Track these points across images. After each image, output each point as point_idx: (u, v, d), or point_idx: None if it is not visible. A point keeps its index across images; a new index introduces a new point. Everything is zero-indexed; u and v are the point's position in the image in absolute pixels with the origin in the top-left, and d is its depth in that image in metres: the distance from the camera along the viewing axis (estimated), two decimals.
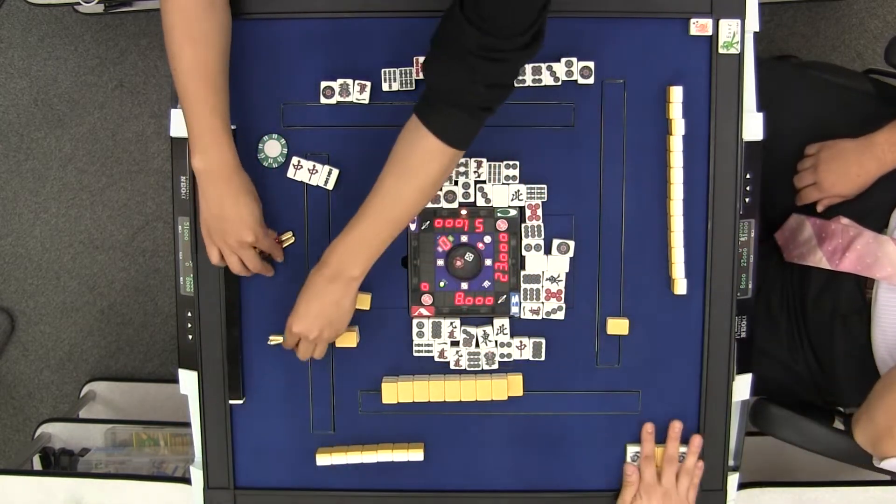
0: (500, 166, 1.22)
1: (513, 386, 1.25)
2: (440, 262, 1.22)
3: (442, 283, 1.22)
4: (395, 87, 1.21)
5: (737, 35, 1.20)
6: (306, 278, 1.14)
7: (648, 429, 1.26)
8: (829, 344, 1.33)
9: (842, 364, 1.33)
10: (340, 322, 1.15)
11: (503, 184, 1.22)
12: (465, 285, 1.22)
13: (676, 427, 1.26)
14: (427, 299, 1.22)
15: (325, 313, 1.13)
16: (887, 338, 1.24)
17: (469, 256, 1.21)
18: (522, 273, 1.23)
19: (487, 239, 1.21)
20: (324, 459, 1.26)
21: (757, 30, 1.22)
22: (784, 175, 1.38)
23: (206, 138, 1.09)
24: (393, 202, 1.08)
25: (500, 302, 1.22)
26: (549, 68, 1.21)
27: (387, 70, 1.21)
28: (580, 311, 1.26)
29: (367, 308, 1.24)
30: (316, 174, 1.23)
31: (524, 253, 1.23)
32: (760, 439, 1.67)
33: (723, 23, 1.20)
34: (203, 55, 1.08)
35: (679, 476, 1.26)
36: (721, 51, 1.21)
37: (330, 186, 1.23)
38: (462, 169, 1.22)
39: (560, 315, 1.25)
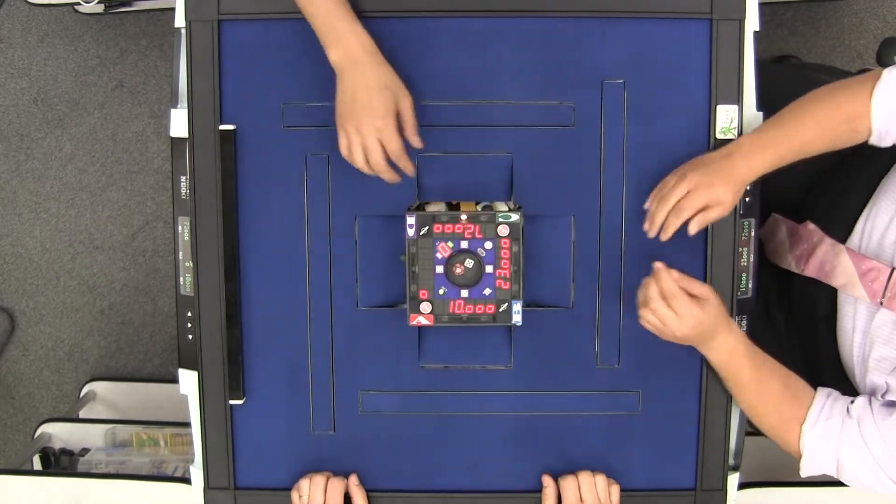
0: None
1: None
2: (439, 269, 1.19)
3: (441, 291, 1.20)
4: None
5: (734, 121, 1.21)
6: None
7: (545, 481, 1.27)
8: (813, 345, 1.33)
9: (825, 365, 1.32)
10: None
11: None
12: (465, 293, 1.20)
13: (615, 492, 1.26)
14: (426, 307, 1.20)
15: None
16: (846, 344, 1.23)
17: (469, 263, 1.19)
18: None
19: (488, 245, 1.19)
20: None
21: (757, 30, 1.22)
22: (782, 174, 1.38)
23: (342, 26, 1.10)
24: None
25: (501, 310, 1.20)
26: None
27: None
28: (580, 311, 1.26)
29: None
30: None
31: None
32: (760, 439, 1.65)
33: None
34: None
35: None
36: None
37: None
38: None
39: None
